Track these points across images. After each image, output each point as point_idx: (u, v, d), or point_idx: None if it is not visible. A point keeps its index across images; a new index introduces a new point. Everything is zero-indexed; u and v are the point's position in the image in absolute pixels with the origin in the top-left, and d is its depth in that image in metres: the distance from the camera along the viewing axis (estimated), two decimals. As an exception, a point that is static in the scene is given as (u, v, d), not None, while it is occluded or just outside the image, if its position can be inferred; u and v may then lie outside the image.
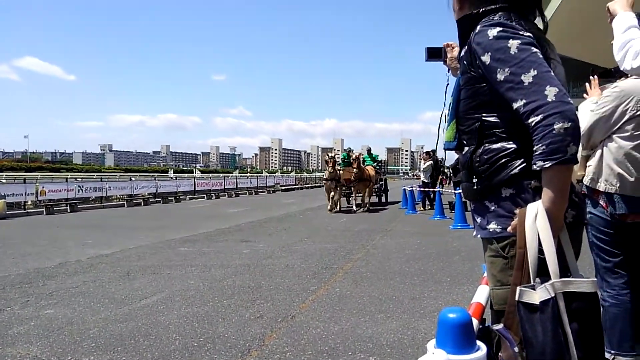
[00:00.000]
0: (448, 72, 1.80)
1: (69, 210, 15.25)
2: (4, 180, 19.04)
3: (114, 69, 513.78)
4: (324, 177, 14.41)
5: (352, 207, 14.12)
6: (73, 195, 16.57)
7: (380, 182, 16.43)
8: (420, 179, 15.87)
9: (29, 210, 14.82)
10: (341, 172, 13.57)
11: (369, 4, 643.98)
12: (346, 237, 8.35)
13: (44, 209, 14.62)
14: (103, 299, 4.33)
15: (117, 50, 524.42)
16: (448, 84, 1.74)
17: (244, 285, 4.79)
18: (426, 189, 14.07)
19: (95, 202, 18.08)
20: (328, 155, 13.62)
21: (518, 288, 1.18)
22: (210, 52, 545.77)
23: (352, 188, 13.87)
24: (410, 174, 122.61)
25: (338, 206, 13.71)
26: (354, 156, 13.45)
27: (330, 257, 6.35)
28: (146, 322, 3.63)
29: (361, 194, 13.97)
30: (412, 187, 15.32)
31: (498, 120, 1.35)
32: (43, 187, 15.76)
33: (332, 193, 13.62)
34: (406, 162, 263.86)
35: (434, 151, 14.57)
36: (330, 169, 13.25)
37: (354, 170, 12.97)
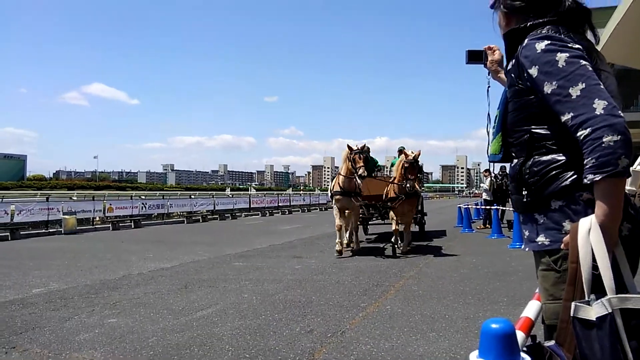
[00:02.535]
0: (489, 75, 1.80)
1: (133, 226, 16.09)
2: (75, 198, 20.39)
3: (172, 94, 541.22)
4: (334, 187, 8.41)
5: (381, 244, 9.56)
6: (137, 212, 17.52)
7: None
8: (479, 196, 15.20)
9: (96, 226, 15.84)
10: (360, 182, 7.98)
11: (420, 21, 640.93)
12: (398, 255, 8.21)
13: (110, 225, 15.51)
14: (162, 310, 4.53)
15: (174, 75, 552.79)
16: (489, 87, 1.76)
17: (295, 300, 4.83)
18: (488, 207, 13.44)
19: (158, 218, 19.04)
20: (351, 147, 7.74)
21: (573, 303, 1.14)
22: (261, 75, 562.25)
23: (393, 210, 8.07)
24: (467, 192, 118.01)
25: (354, 242, 8.41)
26: (411, 155, 7.65)
27: (381, 274, 6.28)
28: (201, 333, 3.76)
29: (404, 222, 8.25)
30: (467, 204, 14.89)
31: (548, 132, 1.33)
32: (110, 205, 16.78)
33: (343, 219, 8.04)
34: (462, 180, 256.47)
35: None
36: (346, 171, 7.85)
37: (406, 185, 7.52)
